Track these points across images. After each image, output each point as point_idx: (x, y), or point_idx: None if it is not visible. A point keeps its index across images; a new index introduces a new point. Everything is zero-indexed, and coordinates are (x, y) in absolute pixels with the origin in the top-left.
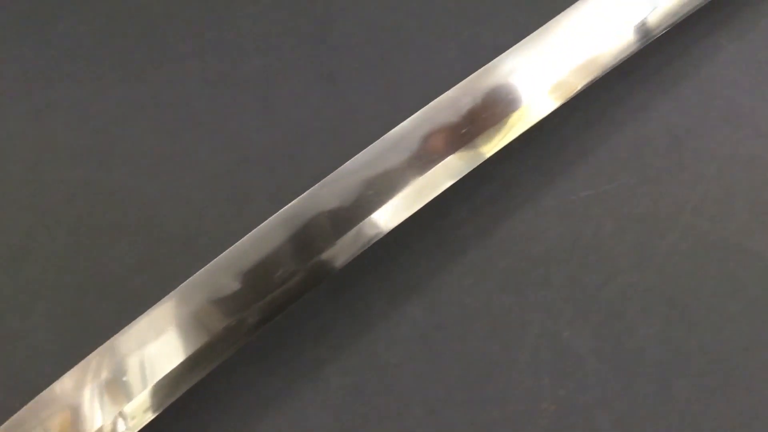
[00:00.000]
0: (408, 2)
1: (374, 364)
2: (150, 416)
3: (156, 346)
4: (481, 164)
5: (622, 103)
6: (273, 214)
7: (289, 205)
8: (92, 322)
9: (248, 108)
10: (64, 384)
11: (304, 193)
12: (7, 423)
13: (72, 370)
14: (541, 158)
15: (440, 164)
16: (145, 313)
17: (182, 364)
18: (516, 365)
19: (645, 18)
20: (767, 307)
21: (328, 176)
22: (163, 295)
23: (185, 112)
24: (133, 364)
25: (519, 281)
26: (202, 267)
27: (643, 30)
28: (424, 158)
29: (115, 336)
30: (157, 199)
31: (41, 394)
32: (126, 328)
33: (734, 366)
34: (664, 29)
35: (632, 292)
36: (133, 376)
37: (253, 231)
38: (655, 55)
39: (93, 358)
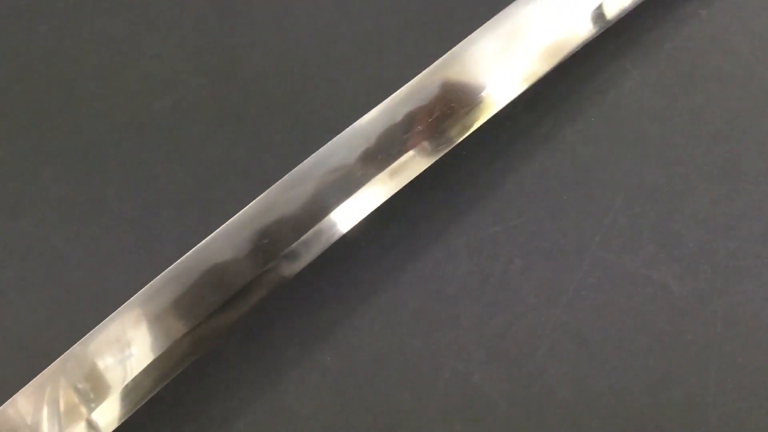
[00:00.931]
0: (313, 37)
1: (284, 416)
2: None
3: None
4: (388, 202)
5: (528, 134)
6: (183, 256)
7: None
8: None
9: (157, 150)
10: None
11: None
12: None
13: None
14: (449, 194)
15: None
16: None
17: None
18: (427, 412)
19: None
20: (674, 341)
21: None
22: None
23: (93, 157)
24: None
25: (430, 323)
26: (111, 315)
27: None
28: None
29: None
30: (65, 248)
31: None
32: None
33: (644, 405)
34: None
35: (541, 331)
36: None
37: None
38: (560, 82)
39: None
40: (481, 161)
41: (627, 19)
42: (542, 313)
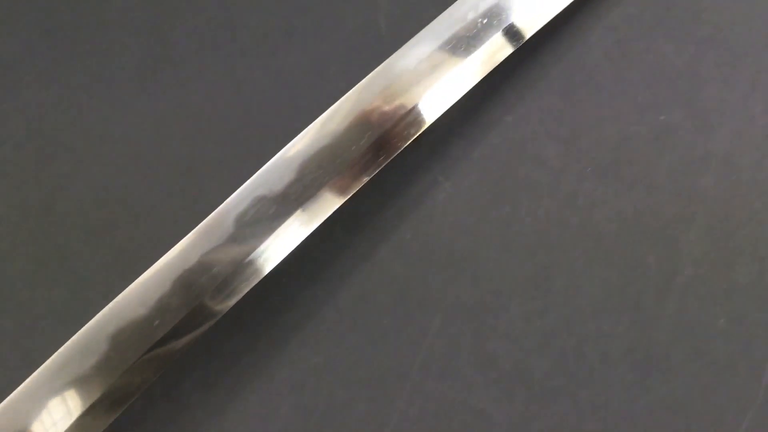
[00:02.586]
0: (133, 163)
1: None
2: None
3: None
4: (206, 336)
5: (344, 253)
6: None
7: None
8: None
9: None
10: None
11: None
12: None
13: None
14: (269, 324)
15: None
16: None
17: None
18: None
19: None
20: None
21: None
22: None
23: None
24: None
25: None
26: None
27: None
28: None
29: None
30: None
31: None
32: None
33: None
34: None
35: None
36: None
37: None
38: (371, 196)
39: None
40: (298, 286)
41: (435, 127)
42: None
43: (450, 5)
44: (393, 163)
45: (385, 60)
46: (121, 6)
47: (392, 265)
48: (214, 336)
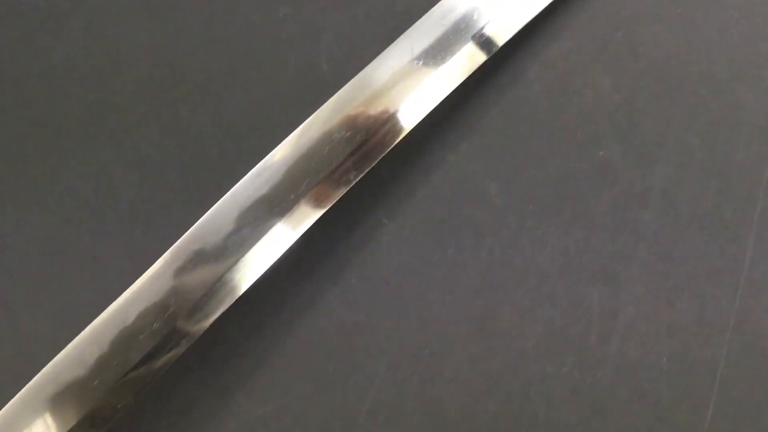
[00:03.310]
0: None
1: None
2: None
3: None
4: (152, 390)
5: (291, 299)
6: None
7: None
8: None
9: None
10: None
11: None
12: None
13: None
14: (216, 373)
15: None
16: None
17: None
18: None
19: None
20: None
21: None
22: None
23: None
24: None
25: None
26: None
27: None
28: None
29: None
30: None
31: None
32: None
33: None
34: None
35: None
36: None
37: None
38: (317, 240)
39: None
40: (243, 335)
41: (379, 167)
42: None
43: (388, 45)
44: (337, 205)
45: (329, 98)
46: (64, 54)
47: (338, 310)
48: (161, 390)
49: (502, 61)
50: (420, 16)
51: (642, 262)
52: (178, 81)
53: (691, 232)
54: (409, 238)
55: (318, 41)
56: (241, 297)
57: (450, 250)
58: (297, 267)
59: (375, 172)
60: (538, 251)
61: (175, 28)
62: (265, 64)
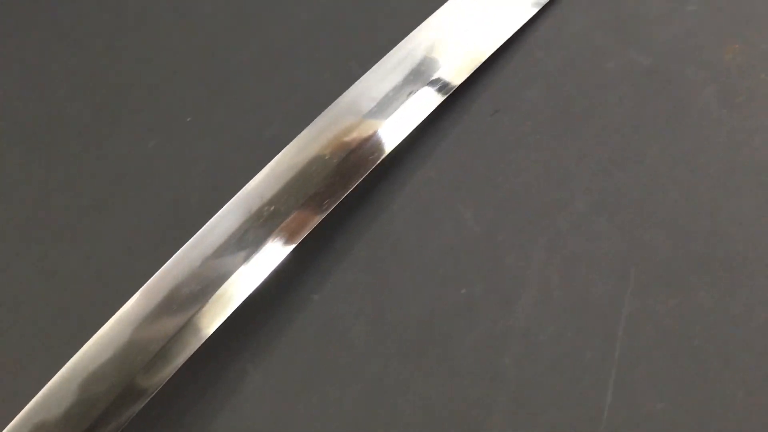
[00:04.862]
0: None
1: None
2: None
3: None
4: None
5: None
6: None
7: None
8: None
9: None
10: None
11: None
12: None
13: None
14: None
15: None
16: None
17: None
18: None
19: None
20: None
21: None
22: None
23: None
24: None
25: None
26: None
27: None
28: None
29: None
30: None
31: None
32: None
33: None
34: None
35: None
36: None
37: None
38: (181, 390)
39: None
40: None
41: (243, 308)
42: None
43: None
44: (203, 352)
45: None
46: None
47: None
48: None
49: (367, 193)
50: (286, 144)
51: (502, 410)
52: (48, 222)
53: (552, 377)
54: (275, 387)
55: (189, 172)
56: None
57: (315, 398)
58: (160, 428)
59: (238, 315)
60: (401, 398)
61: (47, 162)
62: (137, 197)
